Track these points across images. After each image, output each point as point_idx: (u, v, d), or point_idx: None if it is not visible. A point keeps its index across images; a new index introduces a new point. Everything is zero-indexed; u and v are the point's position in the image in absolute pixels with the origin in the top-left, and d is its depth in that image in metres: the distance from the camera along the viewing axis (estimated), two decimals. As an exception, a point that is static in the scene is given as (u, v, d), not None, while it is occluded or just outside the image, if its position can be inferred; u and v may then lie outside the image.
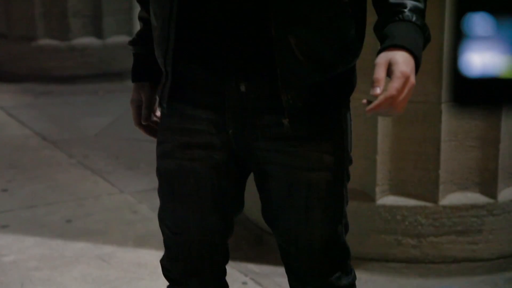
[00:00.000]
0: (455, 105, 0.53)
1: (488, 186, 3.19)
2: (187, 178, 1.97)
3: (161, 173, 2.01)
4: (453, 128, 2.98)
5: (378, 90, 1.67)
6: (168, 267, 2.09)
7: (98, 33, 6.42)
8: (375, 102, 1.65)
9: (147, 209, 3.82)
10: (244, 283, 3.17)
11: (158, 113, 2.06)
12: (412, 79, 1.70)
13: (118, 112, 5.45)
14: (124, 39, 5.99)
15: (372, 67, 1.84)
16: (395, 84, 1.66)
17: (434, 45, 2.71)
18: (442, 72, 2.85)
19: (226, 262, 2.11)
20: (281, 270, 2.12)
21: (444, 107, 2.91)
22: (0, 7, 6.41)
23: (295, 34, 1.81)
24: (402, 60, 1.73)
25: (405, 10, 1.78)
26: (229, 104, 1.87)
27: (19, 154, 4.89)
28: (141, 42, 2.06)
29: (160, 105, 1.97)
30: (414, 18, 1.77)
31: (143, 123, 2.03)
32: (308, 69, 1.84)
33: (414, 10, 1.79)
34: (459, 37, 0.50)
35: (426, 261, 3.09)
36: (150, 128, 2.05)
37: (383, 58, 1.72)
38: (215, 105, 1.89)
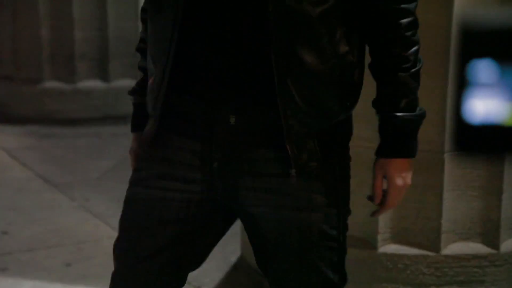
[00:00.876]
0: (459, 153, 0.54)
1: (491, 236, 3.18)
2: (154, 207, 1.95)
3: (129, 200, 1.99)
4: (456, 178, 3.02)
5: (378, 201, 1.92)
6: None
7: (104, 76, 6.37)
8: (378, 212, 2.00)
9: (147, 254, 3.75)
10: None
11: None
12: (408, 181, 1.87)
13: (121, 155, 5.20)
14: (130, 83, 5.93)
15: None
16: (391, 198, 1.89)
17: (438, 94, 2.77)
18: (446, 121, 2.88)
19: None
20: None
21: (447, 157, 2.96)
22: (7, 49, 6.42)
23: (295, 80, 1.82)
24: (397, 173, 1.90)
25: (398, 114, 1.88)
26: (217, 135, 1.87)
27: (20, 196, 4.87)
28: (140, 92, 2.05)
29: (151, 129, 1.96)
30: (407, 120, 1.89)
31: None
32: (310, 117, 1.85)
33: (409, 105, 1.88)
34: (463, 84, 0.50)
35: (428, 310, 3.05)
36: None
37: (380, 169, 1.92)
38: (202, 136, 1.89)
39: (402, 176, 1.91)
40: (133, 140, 2.09)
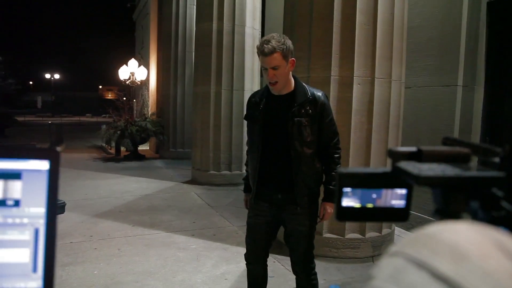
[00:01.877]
0: (338, 220, 0.40)
1: (362, 230, 3.17)
2: (256, 226, 1.84)
3: (248, 224, 1.89)
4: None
5: (319, 220, 1.79)
6: (246, 257, 1.97)
7: (231, 168, 5.93)
8: (321, 220, 1.80)
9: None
10: (274, 262, 3.08)
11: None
12: (332, 211, 1.71)
13: (235, 197, 5.23)
14: (241, 174, 5.59)
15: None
16: (326, 217, 1.77)
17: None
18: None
19: (268, 256, 1.99)
20: (288, 259, 2.02)
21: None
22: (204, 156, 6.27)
23: (300, 178, 1.70)
24: (330, 209, 1.76)
25: (331, 187, 1.75)
26: (274, 202, 1.78)
27: (199, 209, 4.71)
28: (247, 178, 1.92)
29: (251, 199, 1.85)
30: (334, 190, 1.71)
31: (246, 207, 1.95)
32: (305, 190, 1.74)
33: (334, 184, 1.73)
34: (340, 195, 0.38)
35: None
36: (247, 207, 1.94)
37: (323, 206, 1.74)
38: (270, 202, 1.80)
39: (331, 209, 1.78)
40: (245, 196, 1.95)
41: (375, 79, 3.11)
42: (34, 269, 0.38)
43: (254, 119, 1.78)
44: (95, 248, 3.35)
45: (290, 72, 1.71)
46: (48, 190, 0.38)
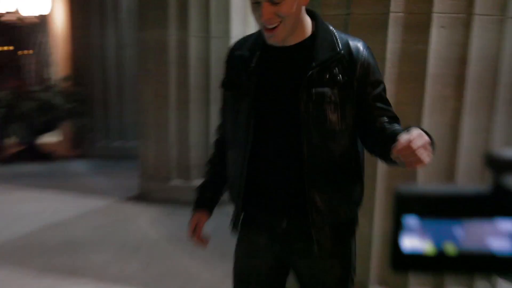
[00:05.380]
0: (393, 271, 0.38)
1: None
2: (250, 274, 1.64)
3: (236, 270, 1.66)
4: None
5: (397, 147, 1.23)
6: None
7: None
8: (397, 146, 1.21)
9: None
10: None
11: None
12: (425, 137, 1.23)
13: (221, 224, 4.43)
14: None
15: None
16: (409, 136, 1.21)
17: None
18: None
19: None
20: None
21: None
22: (151, 161, 4.87)
23: (320, 195, 1.48)
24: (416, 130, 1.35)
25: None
26: (276, 234, 1.58)
27: (151, 247, 3.71)
28: (205, 186, 1.65)
29: (234, 230, 1.61)
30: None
31: (192, 236, 1.69)
32: (328, 217, 1.51)
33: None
34: (397, 228, 0.38)
35: None
36: (198, 240, 1.69)
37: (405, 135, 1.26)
38: (269, 235, 1.59)
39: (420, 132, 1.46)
40: (195, 215, 1.71)
41: (475, 16, 2.30)
42: None
43: (239, 89, 1.49)
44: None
45: (303, 7, 1.41)
46: None
